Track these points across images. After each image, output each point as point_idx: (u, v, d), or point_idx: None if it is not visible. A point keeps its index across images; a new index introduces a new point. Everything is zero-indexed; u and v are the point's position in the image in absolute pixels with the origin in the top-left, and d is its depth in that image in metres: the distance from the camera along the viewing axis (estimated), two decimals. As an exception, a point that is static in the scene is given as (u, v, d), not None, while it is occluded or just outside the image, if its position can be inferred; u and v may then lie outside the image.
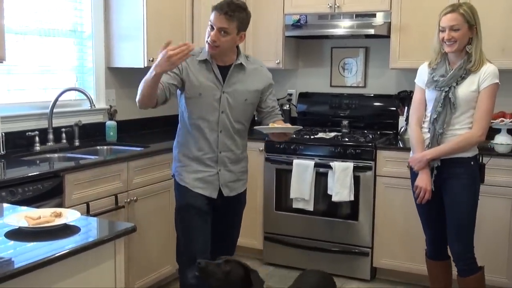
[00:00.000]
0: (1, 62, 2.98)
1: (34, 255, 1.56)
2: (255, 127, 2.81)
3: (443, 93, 2.86)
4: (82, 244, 1.68)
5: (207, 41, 2.67)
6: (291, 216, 4.07)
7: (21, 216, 1.84)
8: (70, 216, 1.85)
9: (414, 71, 3.13)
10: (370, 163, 3.81)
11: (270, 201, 4.15)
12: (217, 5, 2.65)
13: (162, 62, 2.42)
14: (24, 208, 2.11)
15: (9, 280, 1.43)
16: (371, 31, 4.00)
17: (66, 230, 1.78)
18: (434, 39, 2.95)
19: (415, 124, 3.00)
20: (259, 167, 4.15)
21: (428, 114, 2.96)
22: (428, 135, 2.93)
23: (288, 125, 2.86)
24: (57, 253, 1.58)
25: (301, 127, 3.16)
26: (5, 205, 2.25)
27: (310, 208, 3.94)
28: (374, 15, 4.02)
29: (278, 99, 4.62)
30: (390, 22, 3.99)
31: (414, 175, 3.01)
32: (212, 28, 2.64)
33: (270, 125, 2.78)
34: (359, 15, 4.07)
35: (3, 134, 3.17)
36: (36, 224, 1.77)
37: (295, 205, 3.99)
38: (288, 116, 4.63)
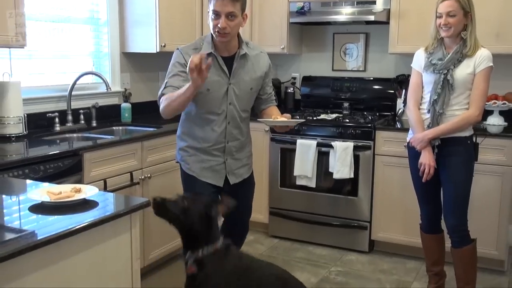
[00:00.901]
0: (23, 48, 2.97)
1: (55, 227, 1.56)
2: (259, 119, 2.73)
3: (442, 76, 2.84)
4: (100, 217, 1.68)
5: (216, 31, 2.49)
6: (295, 192, 4.08)
7: (44, 191, 1.85)
8: (89, 191, 1.86)
9: (412, 55, 3.09)
10: (369, 143, 3.80)
11: (275, 178, 4.15)
12: None
13: (194, 79, 2.25)
14: (46, 184, 2.12)
15: (32, 250, 1.44)
16: (371, 18, 3.96)
17: (85, 205, 1.79)
18: (431, 25, 2.92)
19: (413, 106, 2.98)
20: (264, 147, 4.15)
21: (426, 96, 2.94)
22: (426, 116, 2.92)
23: (287, 116, 2.65)
24: (77, 226, 1.59)
25: (303, 120, 2.91)
26: (28, 181, 2.26)
27: (313, 185, 3.95)
28: (374, 2, 3.96)
29: (282, 83, 4.67)
30: (390, 9, 3.94)
31: (412, 154, 3.00)
32: (217, 16, 2.46)
33: (273, 118, 2.64)
34: (360, 2, 4.01)
35: (26, 115, 3.17)
36: (57, 199, 1.78)
37: (299, 182, 3.99)
38: (292, 98, 4.61)
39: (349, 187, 3.90)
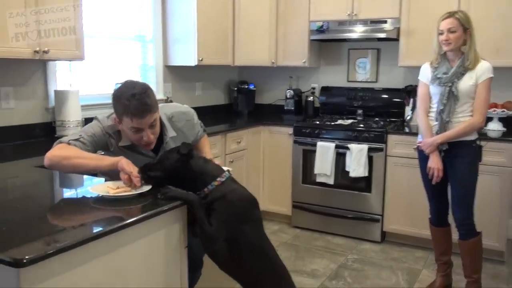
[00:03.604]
0: (81, 61, 2.95)
1: (115, 219, 1.51)
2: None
3: (447, 88, 2.72)
4: (154, 210, 1.62)
5: (141, 144, 1.98)
6: (315, 188, 3.98)
7: (104, 186, 1.81)
8: (144, 187, 1.80)
9: (419, 68, 2.96)
10: (382, 145, 3.69)
11: (298, 176, 4.06)
12: (132, 112, 1.88)
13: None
14: (103, 179, 2.07)
15: (98, 239, 1.39)
16: (383, 35, 3.87)
17: (141, 199, 1.73)
18: (434, 41, 2.81)
19: (423, 114, 2.87)
20: (288, 148, 4.07)
21: (434, 106, 2.83)
22: (434, 123, 2.80)
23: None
24: (133, 218, 1.53)
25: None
26: (87, 177, 2.21)
27: (331, 182, 3.86)
28: (385, 21, 3.87)
29: (303, 92, 4.59)
30: (399, 27, 3.84)
31: (422, 156, 2.89)
32: (138, 131, 1.92)
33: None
34: (372, 22, 3.92)
35: (84, 119, 3.15)
36: (116, 193, 1.74)
37: (318, 179, 3.91)
38: (312, 106, 4.54)
39: (363, 184, 3.80)
